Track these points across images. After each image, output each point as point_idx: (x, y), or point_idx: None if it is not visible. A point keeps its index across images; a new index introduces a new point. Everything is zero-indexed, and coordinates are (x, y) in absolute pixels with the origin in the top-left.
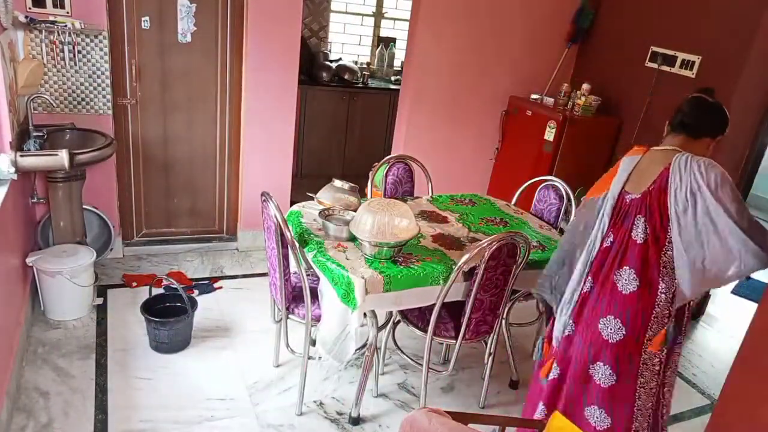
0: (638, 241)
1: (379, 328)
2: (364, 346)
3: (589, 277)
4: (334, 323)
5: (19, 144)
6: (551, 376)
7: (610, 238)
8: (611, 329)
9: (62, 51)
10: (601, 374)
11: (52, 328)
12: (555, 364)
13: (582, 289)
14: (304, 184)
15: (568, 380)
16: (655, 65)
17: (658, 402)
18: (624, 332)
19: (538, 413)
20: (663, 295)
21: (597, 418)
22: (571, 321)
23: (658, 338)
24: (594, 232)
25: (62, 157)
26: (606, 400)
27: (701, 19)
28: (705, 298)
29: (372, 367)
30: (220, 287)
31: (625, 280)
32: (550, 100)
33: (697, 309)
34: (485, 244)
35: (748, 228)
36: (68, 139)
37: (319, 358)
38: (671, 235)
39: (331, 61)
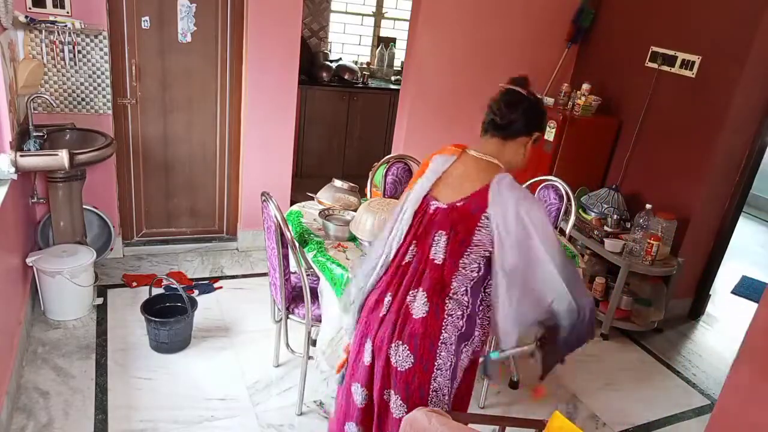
0: (436, 261)
1: None
2: None
3: (388, 295)
4: (332, 324)
5: (20, 144)
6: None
7: (412, 252)
8: (401, 356)
9: (62, 51)
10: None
11: (52, 328)
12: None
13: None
14: (304, 184)
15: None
16: (655, 65)
17: None
18: (412, 360)
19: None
20: (450, 318)
21: None
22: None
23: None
24: (390, 239)
25: (62, 157)
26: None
27: (701, 19)
28: (705, 298)
29: None
30: (220, 287)
31: (418, 303)
32: (550, 100)
33: (697, 309)
34: None
35: (567, 278)
36: (68, 139)
37: (317, 366)
38: (480, 263)
39: (331, 61)
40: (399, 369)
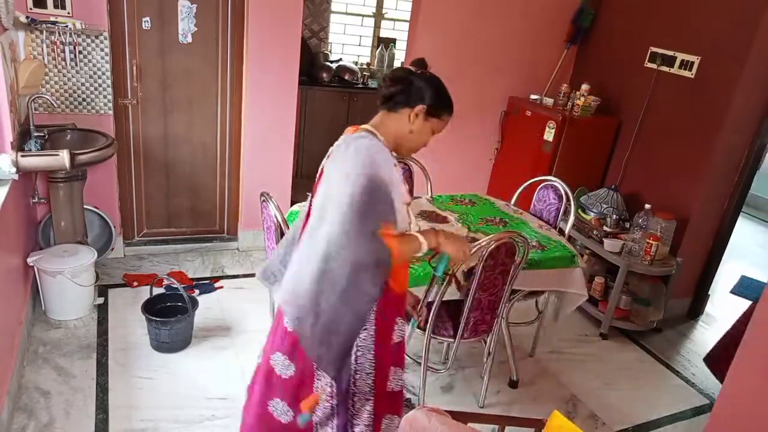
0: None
1: None
2: None
3: None
4: None
5: (21, 144)
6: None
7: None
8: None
9: (63, 51)
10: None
11: (53, 327)
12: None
13: None
14: (304, 184)
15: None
16: (654, 65)
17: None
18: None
19: None
20: None
21: None
22: None
23: None
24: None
25: (63, 157)
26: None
27: (701, 19)
28: (704, 298)
29: None
30: (221, 287)
31: None
32: (549, 101)
33: (696, 309)
34: (484, 243)
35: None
36: (69, 139)
37: None
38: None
39: (332, 62)
40: (288, 329)
